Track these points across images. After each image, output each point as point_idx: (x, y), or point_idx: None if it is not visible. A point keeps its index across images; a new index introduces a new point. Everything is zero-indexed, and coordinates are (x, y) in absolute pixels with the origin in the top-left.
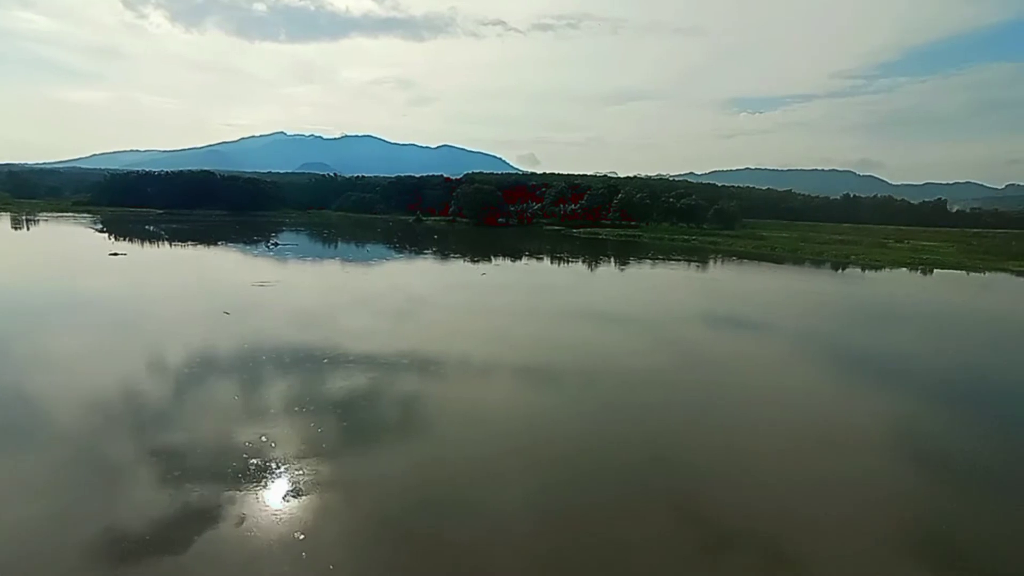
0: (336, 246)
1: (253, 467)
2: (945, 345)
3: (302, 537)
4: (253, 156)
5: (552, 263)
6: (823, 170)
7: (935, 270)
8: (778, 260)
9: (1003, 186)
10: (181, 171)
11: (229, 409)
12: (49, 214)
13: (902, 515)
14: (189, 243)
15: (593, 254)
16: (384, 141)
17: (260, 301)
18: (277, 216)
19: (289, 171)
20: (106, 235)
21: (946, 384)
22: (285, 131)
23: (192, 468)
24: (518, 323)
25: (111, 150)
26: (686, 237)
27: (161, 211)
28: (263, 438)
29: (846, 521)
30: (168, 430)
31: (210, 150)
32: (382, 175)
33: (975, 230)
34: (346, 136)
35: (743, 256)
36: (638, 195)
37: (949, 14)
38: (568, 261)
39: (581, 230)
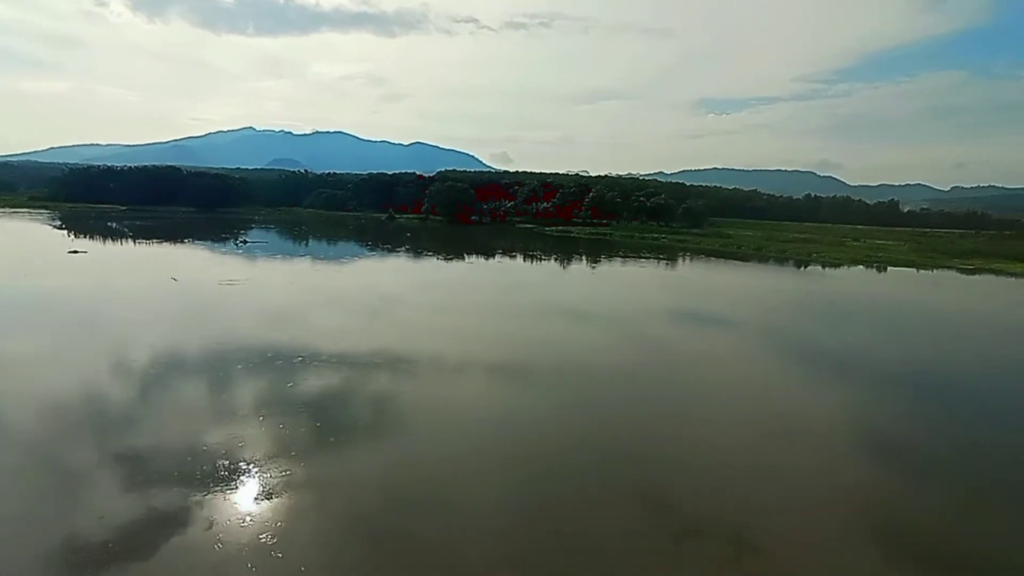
0: (307, 244)
1: (222, 469)
2: (898, 339)
3: (274, 539)
4: (221, 151)
5: (525, 261)
6: (786, 170)
7: (889, 268)
8: (744, 258)
9: (949, 188)
10: (145, 166)
11: (196, 411)
12: (2, 210)
13: (859, 502)
14: (154, 240)
15: (565, 252)
16: (355, 137)
17: (228, 300)
18: (246, 213)
19: (258, 167)
20: (65, 232)
21: (898, 377)
22: (254, 126)
23: (158, 472)
24: (491, 321)
25: (69, 143)
26: (655, 235)
27: (124, 207)
28: (232, 439)
29: (807, 509)
30: (132, 433)
31: (175, 145)
32: (354, 172)
33: (924, 230)
34: (317, 132)
35: (710, 254)
36: (609, 194)
37: (902, 23)
38: (540, 259)
39: (553, 228)
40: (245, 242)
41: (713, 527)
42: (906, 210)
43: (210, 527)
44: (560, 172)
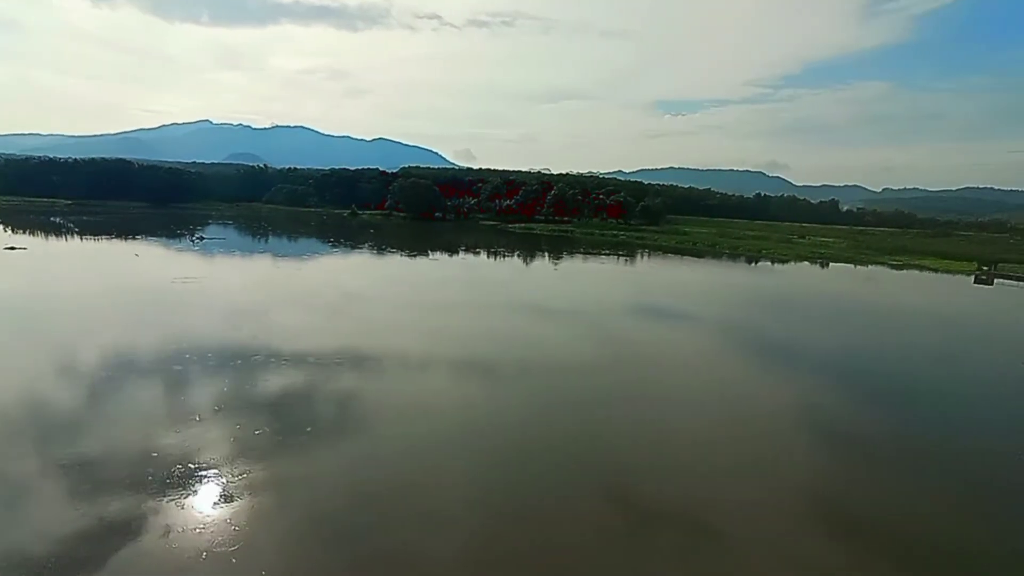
0: (267, 240)
1: (179, 474)
2: (839, 331)
3: (234, 544)
4: (175, 145)
5: (489, 258)
6: (738, 170)
7: (831, 264)
8: (699, 254)
9: (880, 190)
10: (93, 158)
11: (150, 414)
12: None
13: (807, 488)
14: (103, 237)
15: (528, 249)
16: (317, 132)
17: (183, 298)
18: (203, 209)
19: (216, 161)
20: (1, 227)
21: (840, 365)
22: (211, 119)
23: (109, 479)
24: (456, 318)
25: (7, 132)
26: (615, 232)
27: (70, 202)
28: (189, 442)
29: (759, 496)
30: (81, 439)
31: (126, 137)
32: (315, 167)
33: (860, 228)
34: (277, 126)
35: (668, 250)
36: (570, 192)
37: (838, 35)
38: (504, 256)
39: (517, 225)
40: (201, 239)
41: (674, 516)
42: (844, 209)
43: (166, 534)
44: (523, 170)
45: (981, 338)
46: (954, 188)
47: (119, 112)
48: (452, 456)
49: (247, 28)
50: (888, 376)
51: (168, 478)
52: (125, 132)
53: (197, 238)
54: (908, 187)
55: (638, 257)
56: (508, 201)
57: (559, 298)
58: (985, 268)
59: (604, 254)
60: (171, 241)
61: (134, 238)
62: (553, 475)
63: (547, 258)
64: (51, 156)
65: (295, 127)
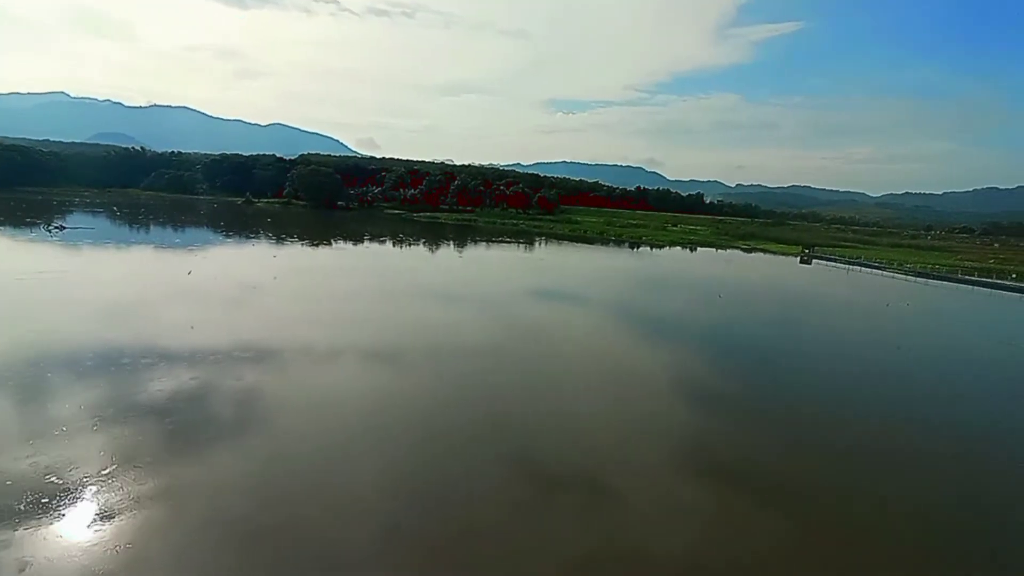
0: (148, 230)
1: (41, 496)
2: (707, 306)
3: (115, 568)
4: (19, 119)
5: (394, 246)
6: (621, 165)
7: (698, 248)
8: (590, 241)
9: (734, 185)
10: None
11: (1, 430)
12: None
13: (686, 446)
14: None
15: (433, 237)
16: (204, 114)
17: (39, 294)
18: (63, 194)
19: (78, 140)
20: None
21: (710, 338)
22: (67, 92)
23: None
24: (362, 306)
25: None
26: (515, 221)
27: None
28: (51, 459)
29: (647, 456)
30: None
31: None
32: (203, 151)
33: (720, 217)
34: (155, 105)
35: (562, 238)
36: (473, 182)
37: (698, 50)
38: (410, 244)
39: (421, 214)
40: (61, 228)
41: (574, 480)
42: (707, 201)
43: (23, 569)
44: (427, 160)
45: (808, 307)
46: (785, 185)
47: None
48: (363, 446)
49: None
50: (746, 344)
51: (25, 502)
52: None
53: (55, 227)
54: (754, 184)
55: (536, 244)
56: (412, 190)
57: (464, 284)
58: (806, 251)
59: (506, 242)
60: (18, 231)
61: None
62: (463, 454)
63: (452, 246)
64: None
65: (177, 107)
